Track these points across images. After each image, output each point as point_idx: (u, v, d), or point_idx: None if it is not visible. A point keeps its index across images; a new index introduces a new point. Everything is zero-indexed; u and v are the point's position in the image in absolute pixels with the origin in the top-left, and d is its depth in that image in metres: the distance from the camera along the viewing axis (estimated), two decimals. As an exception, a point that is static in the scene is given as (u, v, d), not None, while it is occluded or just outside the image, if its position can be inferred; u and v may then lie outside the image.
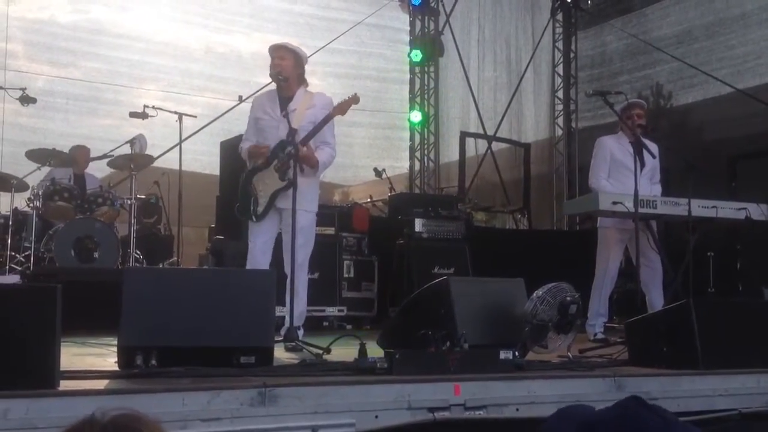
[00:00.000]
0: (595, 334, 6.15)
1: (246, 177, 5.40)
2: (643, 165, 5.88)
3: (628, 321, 4.60)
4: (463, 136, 12.07)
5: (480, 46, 12.90)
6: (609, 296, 6.40)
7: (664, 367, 4.07)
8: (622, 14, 12.29)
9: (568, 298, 4.12)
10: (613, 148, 6.33)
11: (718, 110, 10.73)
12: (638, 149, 5.81)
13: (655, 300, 6.08)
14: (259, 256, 5.30)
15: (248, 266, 5.30)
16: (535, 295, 4.14)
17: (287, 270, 5.07)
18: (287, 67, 5.34)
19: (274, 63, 5.34)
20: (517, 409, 3.53)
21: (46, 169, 7.88)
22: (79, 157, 8.38)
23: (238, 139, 6.12)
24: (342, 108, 5.37)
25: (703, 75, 10.78)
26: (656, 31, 11.65)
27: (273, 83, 5.55)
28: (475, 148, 12.37)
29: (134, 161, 7.89)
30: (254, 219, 5.30)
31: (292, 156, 5.03)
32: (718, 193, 6.27)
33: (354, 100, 5.40)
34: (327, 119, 5.30)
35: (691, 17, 11.22)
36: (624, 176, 6.15)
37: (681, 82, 11.28)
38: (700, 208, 5.96)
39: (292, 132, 5.03)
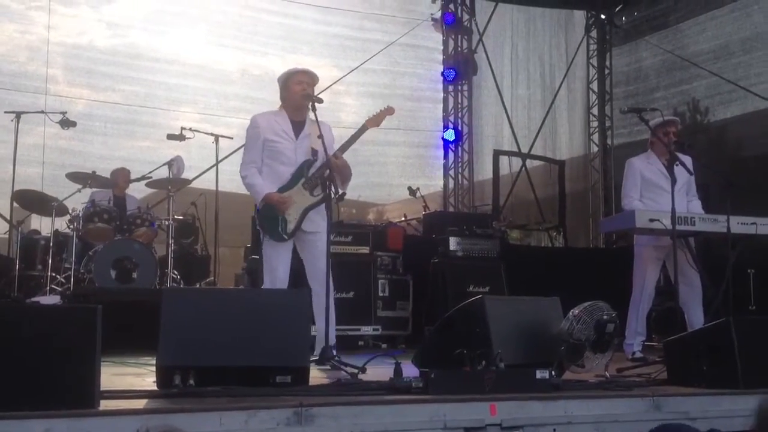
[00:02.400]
0: (633, 353, 6.06)
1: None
2: (674, 181, 5.81)
3: (667, 340, 4.53)
4: (497, 154, 12.05)
5: (513, 64, 12.90)
6: (647, 315, 6.33)
7: (703, 386, 4.01)
8: (658, 30, 12.22)
9: (605, 317, 4.08)
10: (643, 169, 6.28)
11: (757, 125, 10.58)
12: (671, 165, 5.75)
13: (695, 318, 6.00)
14: (282, 284, 5.24)
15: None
16: (571, 313, 4.11)
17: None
18: (309, 95, 5.30)
19: (302, 89, 5.28)
20: (554, 430, 3.50)
21: (86, 191, 8.01)
22: (119, 179, 8.52)
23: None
24: (377, 119, 5.39)
25: (741, 90, 10.66)
26: (692, 47, 11.55)
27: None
28: (509, 165, 12.34)
29: (171, 183, 8.00)
30: (286, 237, 5.26)
31: (328, 173, 5.06)
32: (759, 210, 6.17)
33: (388, 111, 5.41)
34: (362, 131, 5.32)
35: (727, 32, 11.10)
36: (657, 195, 6.11)
37: (718, 97, 11.16)
38: (740, 224, 5.87)
39: (328, 156, 5.07)
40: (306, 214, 5.27)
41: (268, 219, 5.30)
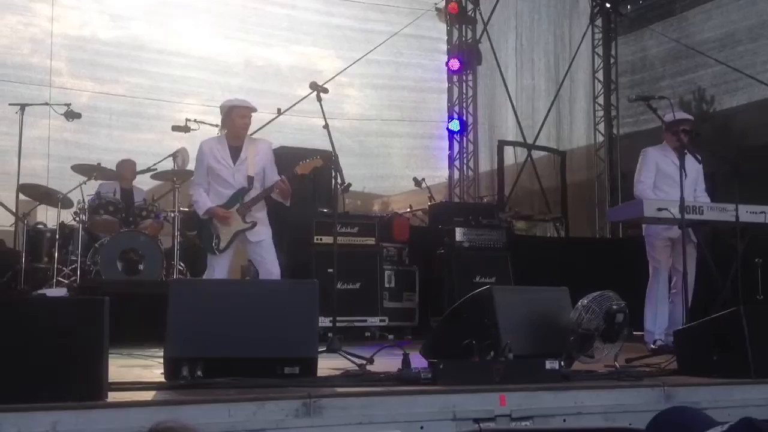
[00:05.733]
0: (654, 342, 5.94)
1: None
2: (685, 174, 5.77)
3: (676, 329, 4.51)
4: (501, 144, 11.99)
5: (518, 54, 12.84)
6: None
7: (714, 376, 3.98)
8: (663, 18, 12.14)
9: (614, 307, 4.05)
10: (659, 159, 6.24)
11: (764, 114, 10.52)
12: (682, 157, 5.70)
13: (675, 312, 5.96)
14: None
15: None
16: (580, 303, 4.09)
17: None
18: (248, 125, 5.97)
19: (244, 122, 5.87)
20: (564, 420, 3.49)
21: (92, 183, 7.99)
22: (125, 171, 8.48)
23: (279, 150, 6.30)
24: (305, 167, 5.85)
25: (747, 78, 10.60)
26: (698, 35, 11.48)
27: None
28: (514, 156, 12.30)
29: (177, 175, 7.98)
30: (217, 253, 5.78)
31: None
32: (766, 198, 6.12)
33: (316, 162, 5.86)
34: (291, 177, 5.78)
35: (733, 20, 11.03)
36: (669, 187, 6.07)
37: (725, 86, 11.09)
38: (748, 213, 5.84)
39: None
40: (237, 236, 5.79)
41: (204, 233, 5.86)
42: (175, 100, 10.63)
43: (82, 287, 7.06)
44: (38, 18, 10.17)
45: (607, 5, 13.02)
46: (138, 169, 8.61)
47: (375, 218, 8.57)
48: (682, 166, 5.60)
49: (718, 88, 11.23)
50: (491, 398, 3.42)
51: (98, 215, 7.63)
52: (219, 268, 5.82)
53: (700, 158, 6.03)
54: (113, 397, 3.05)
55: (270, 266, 5.85)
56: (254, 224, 5.78)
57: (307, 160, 5.87)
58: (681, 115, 6.33)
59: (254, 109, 5.95)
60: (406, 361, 3.79)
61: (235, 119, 5.84)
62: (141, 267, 7.37)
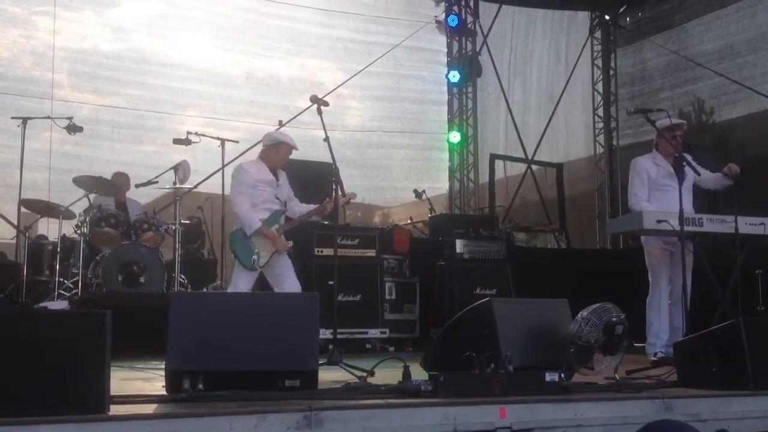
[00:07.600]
0: (656, 354, 5.91)
1: (243, 233, 5.98)
2: (682, 180, 5.77)
3: (676, 341, 4.52)
4: (493, 158, 12.01)
5: (516, 67, 12.89)
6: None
7: (714, 387, 3.99)
8: (662, 30, 12.19)
9: (614, 319, 4.07)
10: (650, 168, 6.23)
11: (763, 125, 10.54)
12: (680, 165, 5.71)
13: (675, 320, 5.96)
14: None
15: None
16: (580, 315, 4.10)
17: None
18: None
19: (288, 157, 6.25)
20: (565, 432, 3.49)
21: (92, 196, 8.00)
22: (119, 181, 8.47)
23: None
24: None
25: (746, 90, 10.63)
26: (697, 47, 11.52)
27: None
28: (505, 169, 12.31)
29: (177, 189, 7.99)
30: (255, 269, 5.95)
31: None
32: (766, 210, 6.14)
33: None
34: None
35: (732, 32, 11.07)
36: (663, 193, 6.07)
37: (724, 97, 11.12)
38: (748, 225, 5.85)
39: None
40: (274, 255, 5.95)
41: (241, 248, 5.96)
42: (176, 113, 10.69)
43: (83, 300, 7.06)
44: (40, 31, 10.23)
45: (606, 17, 13.08)
46: (139, 181, 8.62)
47: (375, 230, 8.58)
48: (680, 179, 5.62)
49: (718, 100, 11.27)
50: (491, 410, 3.42)
51: (99, 228, 7.64)
52: (247, 282, 5.96)
53: (696, 168, 6.02)
54: (115, 410, 3.05)
55: (292, 281, 6.05)
56: (293, 244, 6.05)
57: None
58: (675, 120, 6.35)
59: (296, 149, 6.29)
60: (406, 374, 3.80)
61: (282, 154, 6.17)
62: (142, 279, 7.38)
